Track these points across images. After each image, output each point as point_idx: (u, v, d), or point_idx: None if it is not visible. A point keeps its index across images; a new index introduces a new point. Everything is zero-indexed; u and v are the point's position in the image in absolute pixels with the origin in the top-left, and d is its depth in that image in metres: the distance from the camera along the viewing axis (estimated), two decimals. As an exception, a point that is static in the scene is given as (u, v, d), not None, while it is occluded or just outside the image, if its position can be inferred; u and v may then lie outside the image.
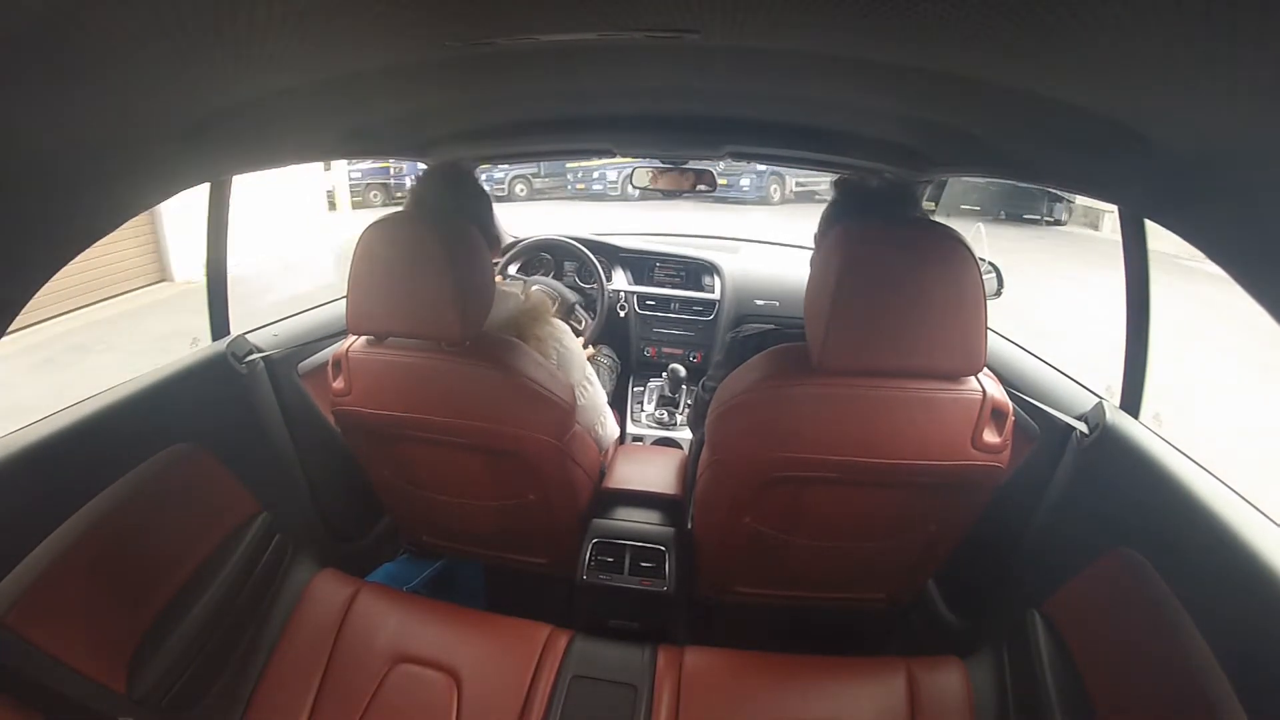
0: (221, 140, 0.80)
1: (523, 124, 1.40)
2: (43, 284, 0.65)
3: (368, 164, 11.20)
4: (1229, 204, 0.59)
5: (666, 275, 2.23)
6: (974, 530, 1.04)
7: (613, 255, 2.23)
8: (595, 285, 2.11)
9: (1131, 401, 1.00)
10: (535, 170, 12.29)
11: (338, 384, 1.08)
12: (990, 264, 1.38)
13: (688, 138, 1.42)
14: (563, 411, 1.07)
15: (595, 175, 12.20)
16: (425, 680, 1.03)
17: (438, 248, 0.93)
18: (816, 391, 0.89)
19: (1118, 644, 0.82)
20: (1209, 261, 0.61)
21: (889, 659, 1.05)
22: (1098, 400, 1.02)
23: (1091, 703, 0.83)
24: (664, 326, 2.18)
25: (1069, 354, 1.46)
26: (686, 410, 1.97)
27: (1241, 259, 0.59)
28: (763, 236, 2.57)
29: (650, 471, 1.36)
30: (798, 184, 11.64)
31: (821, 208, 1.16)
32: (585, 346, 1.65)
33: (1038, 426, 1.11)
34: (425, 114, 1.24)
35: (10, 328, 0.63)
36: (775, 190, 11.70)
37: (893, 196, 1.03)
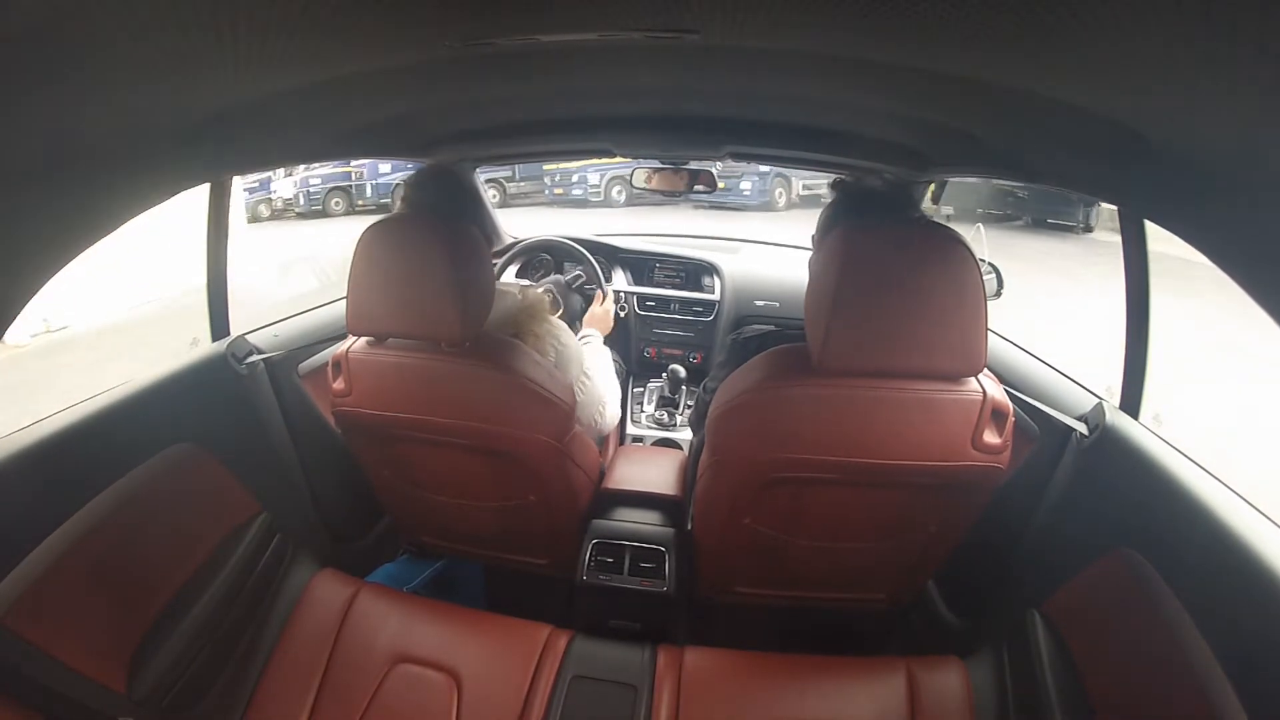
0: (221, 140, 0.80)
1: (523, 124, 1.40)
2: (43, 284, 0.65)
3: (327, 169, 10.12)
4: (1229, 204, 0.59)
5: (666, 276, 2.23)
6: (974, 530, 1.04)
7: (612, 256, 2.23)
8: (595, 286, 2.11)
9: (1131, 402, 1.00)
10: (509, 174, 10.88)
11: (338, 385, 1.08)
12: (990, 264, 1.37)
13: (687, 138, 1.42)
14: (563, 413, 1.07)
15: (575, 179, 10.67)
16: (425, 680, 1.03)
17: (438, 248, 0.93)
18: (816, 392, 0.89)
19: (1118, 644, 0.82)
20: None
21: (889, 659, 1.05)
22: (1097, 401, 1.02)
23: (1091, 703, 0.83)
24: (664, 327, 2.18)
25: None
26: (687, 411, 1.97)
27: (1241, 259, 0.59)
28: (762, 238, 2.57)
29: (650, 472, 1.36)
30: (804, 187, 10.43)
31: (830, 214, 1.14)
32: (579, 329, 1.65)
33: (1037, 427, 1.11)
34: (425, 114, 1.24)
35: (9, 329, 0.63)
36: (780, 195, 10.44)
37: (891, 197, 1.03)
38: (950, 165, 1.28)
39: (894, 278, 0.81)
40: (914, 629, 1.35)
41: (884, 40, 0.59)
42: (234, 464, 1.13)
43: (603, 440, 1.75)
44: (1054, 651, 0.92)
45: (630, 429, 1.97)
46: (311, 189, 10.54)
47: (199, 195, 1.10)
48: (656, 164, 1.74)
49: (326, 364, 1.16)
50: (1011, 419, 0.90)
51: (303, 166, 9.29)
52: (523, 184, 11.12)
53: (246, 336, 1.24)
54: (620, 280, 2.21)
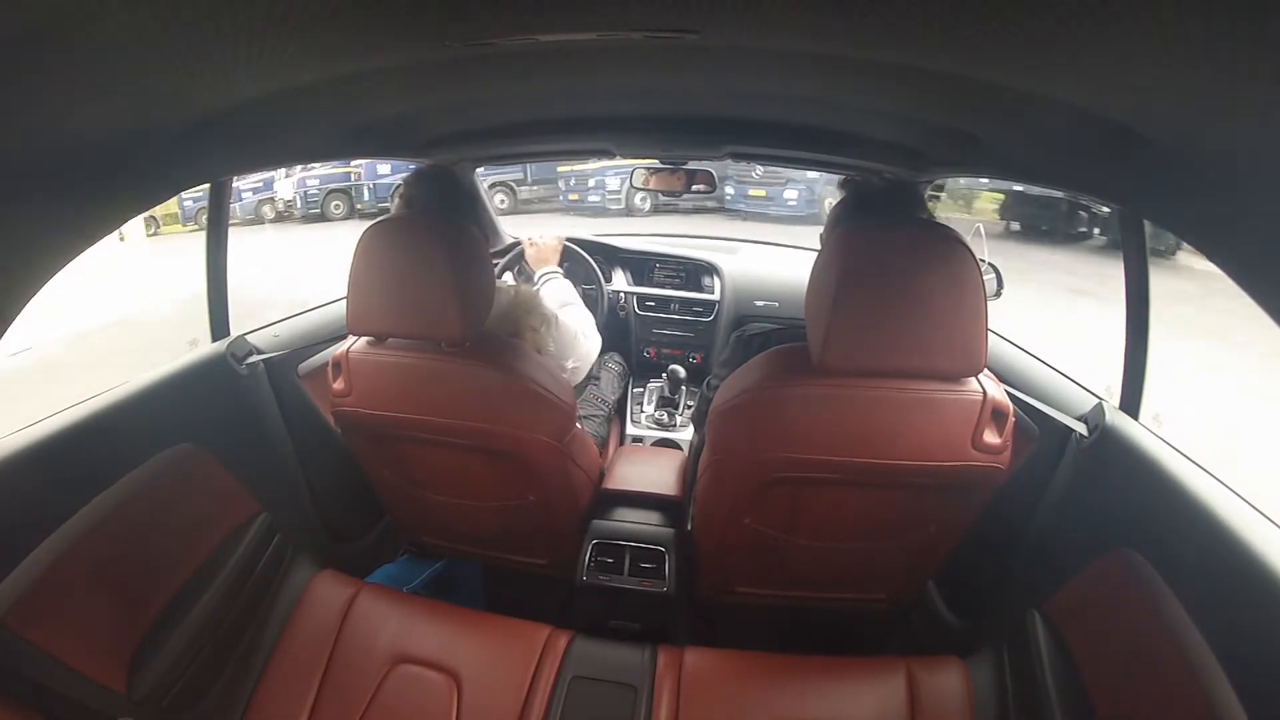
0: (221, 140, 0.80)
1: (523, 124, 1.40)
2: (43, 285, 0.65)
3: (326, 169, 9.51)
4: (1227, 204, 0.59)
5: (666, 276, 2.23)
6: (974, 530, 1.04)
7: (612, 256, 2.23)
8: (594, 286, 2.11)
9: (1131, 402, 1.00)
10: (520, 176, 9.94)
11: (338, 385, 1.08)
12: (990, 264, 1.38)
13: (687, 138, 1.42)
14: (563, 413, 1.07)
15: (592, 183, 9.65)
16: (425, 681, 1.03)
17: (438, 248, 0.93)
18: (817, 392, 0.89)
19: (1118, 644, 0.82)
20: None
21: (889, 659, 1.05)
22: (1097, 401, 1.02)
23: (1091, 703, 0.83)
24: (664, 327, 2.18)
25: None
26: (687, 411, 1.97)
27: (1240, 259, 0.59)
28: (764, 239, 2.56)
29: (650, 472, 1.36)
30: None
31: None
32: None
33: (1037, 427, 1.11)
34: (425, 114, 1.24)
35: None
36: (831, 204, 9.16)
37: (899, 196, 1.03)
38: (950, 165, 1.28)
39: (894, 278, 0.81)
40: (914, 629, 1.34)
41: (884, 40, 0.59)
42: (234, 464, 1.13)
43: (605, 435, 1.76)
44: (1054, 651, 0.92)
45: (630, 429, 1.97)
46: (309, 190, 9.98)
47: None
48: (656, 164, 1.74)
49: (326, 364, 1.16)
50: (1011, 419, 0.90)
51: (300, 167, 8.90)
52: (535, 188, 10.15)
53: (246, 337, 1.24)
54: (620, 280, 2.21)
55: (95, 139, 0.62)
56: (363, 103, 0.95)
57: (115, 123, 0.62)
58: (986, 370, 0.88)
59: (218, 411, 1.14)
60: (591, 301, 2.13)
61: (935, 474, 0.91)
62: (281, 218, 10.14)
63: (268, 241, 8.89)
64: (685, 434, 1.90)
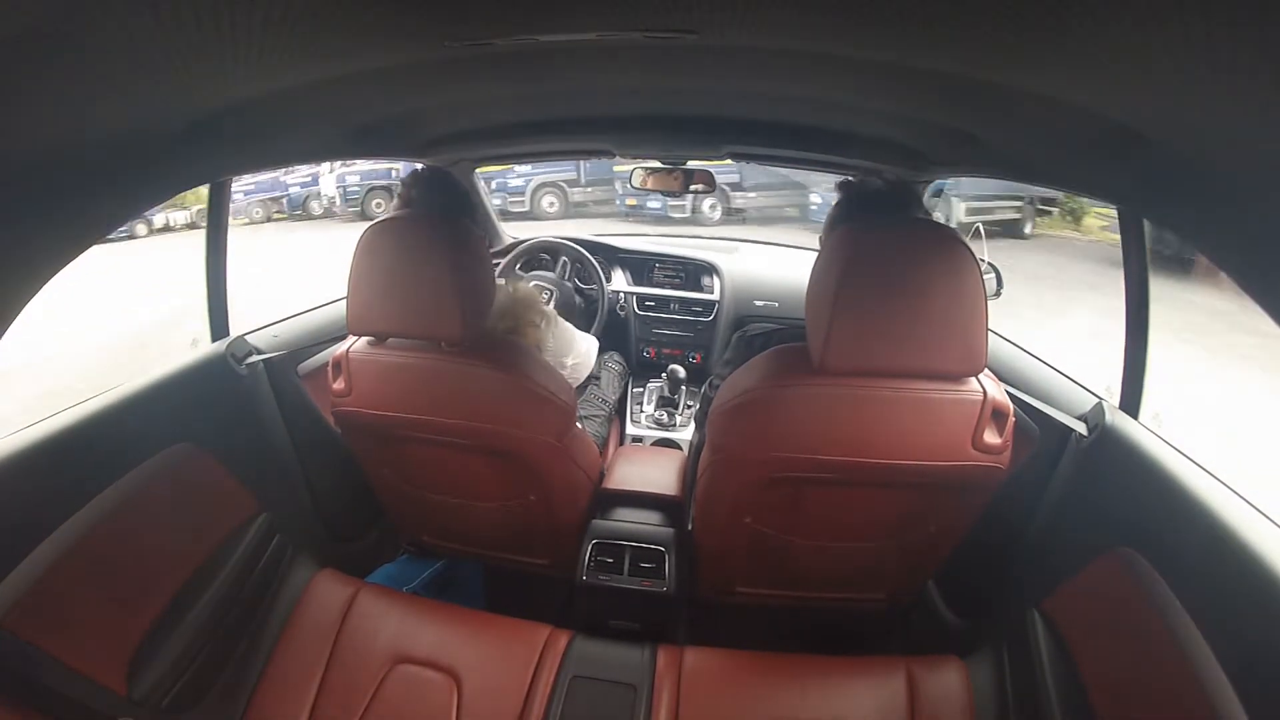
0: (221, 140, 0.80)
1: (522, 124, 1.40)
2: (43, 285, 0.65)
3: (366, 165, 9.04)
4: (1228, 204, 0.59)
5: (666, 276, 2.23)
6: (974, 530, 1.04)
7: (612, 256, 2.23)
8: (595, 286, 2.11)
9: (1131, 402, 1.00)
10: (572, 176, 9.01)
11: (338, 385, 1.08)
12: (990, 264, 1.38)
13: (687, 138, 1.42)
14: (563, 413, 1.07)
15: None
16: (425, 680, 1.03)
17: (439, 248, 0.93)
18: (817, 392, 0.89)
19: (1117, 643, 0.82)
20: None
21: (889, 659, 1.05)
22: (1097, 401, 1.02)
23: (1091, 702, 0.83)
24: (663, 327, 2.18)
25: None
26: (687, 411, 1.97)
27: (1240, 259, 0.59)
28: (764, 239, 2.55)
29: (650, 472, 1.36)
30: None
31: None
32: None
33: (1037, 427, 1.11)
34: (425, 114, 1.24)
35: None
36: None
37: (897, 196, 1.03)
38: (950, 165, 1.28)
39: (895, 278, 0.81)
40: (914, 629, 1.35)
41: (884, 40, 0.59)
42: (234, 464, 1.13)
43: (605, 435, 1.76)
44: (1054, 651, 0.92)
45: (630, 429, 1.97)
46: (349, 187, 9.33)
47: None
48: (656, 164, 1.74)
49: (326, 364, 1.16)
50: (1012, 419, 0.90)
51: (340, 163, 8.47)
52: (590, 189, 9.09)
53: (246, 337, 1.24)
54: (620, 280, 2.21)
55: (95, 139, 0.62)
56: (362, 103, 0.95)
57: (115, 123, 0.62)
58: (987, 370, 0.88)
59: (217, 411, 1.13)
60: (592, 301, 2.14)
61: (935, 474, 0.91)
62: (328, 214, 9.73)
63: (314, 240, 8.37)
64: (685, 434, 1.90)
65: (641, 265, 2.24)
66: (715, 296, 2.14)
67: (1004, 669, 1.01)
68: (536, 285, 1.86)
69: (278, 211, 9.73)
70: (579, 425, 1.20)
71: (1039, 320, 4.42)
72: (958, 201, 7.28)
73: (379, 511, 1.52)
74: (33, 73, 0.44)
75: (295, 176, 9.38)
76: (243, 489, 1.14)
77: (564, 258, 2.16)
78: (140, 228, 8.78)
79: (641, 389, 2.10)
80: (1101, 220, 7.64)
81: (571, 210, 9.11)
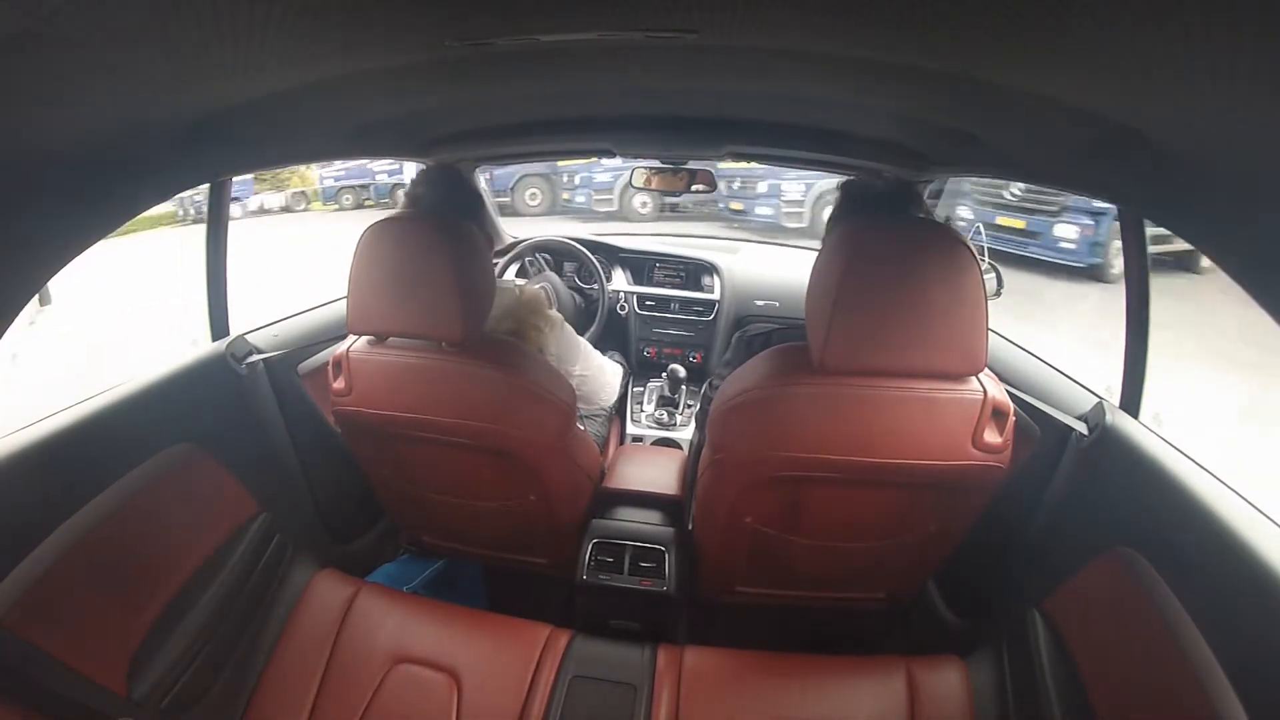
0: (221, 140, 0.80)
1: (523, 124, 1.40)
2: (43, 285, 0.65)
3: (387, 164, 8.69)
4: (1228, 204, 0.59)
5: (666, 275, 2.23)
6: (974, 530, 1.04)
7: (612, 255, 2.23)
8: (595, 286, 2.11)
9: (1131, 401, 1.00)
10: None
11: (338, 384, 1.08)
12: (990, 264, 1.38)
13: (688, 137, 1.42)
14: (563, 412, 1.07)
15: (738, 185, 7.09)
16: (425, 680, 1.03)
17: (439, 248, 0.93)
18: (817, 391, 0.89)
19: (1117, 643, 0.82)
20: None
21: (889, 659, 1.05)
22: (1097, 400, 1.02)
23: (1091, 702, 0.83)
24: (664, 327, 2.18)
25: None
26: (687, 410, 1.97)
27: (1240, 259, 0.59)
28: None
29: (650, 472, 1.36)
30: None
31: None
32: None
33: (1038, 427, 1.11)
34: (425, 114, 1.24)
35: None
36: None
37: (897, 196, 1.03)
38: (950, 165, 1.28)
39: (895, 277, 0.81)
40: (914, 629, 1.35)
41: (884, 40, 0.59)
42: (234, 464, 1.13)
43: (605, 434, 1.76)
44: (1054, 650, 0.92)
45: (630, 429, 1.97)
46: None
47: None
48: (657, 164, 1.74)
49: (326, 364, 1.16)
50: (1012, 418, 0.90)
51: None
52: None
53: (246, 336, 1.24)
54: (620, 280, 2.21)
55: (96, 139, 0.62)
56: (363, 103, 0.95)
57: (115, 123, 0.62)
58: (987, 370, 0.88)
59: (218, 411, 1.13)
60: (592, 301, 2.14)
61: (936, 473, 0.91)
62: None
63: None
64: (685, 433, 1.90)
65: (642, 265, 2.24)
66: (716, 296, 2.14)
67: (1004, 669, 1.01)
68: (542, 286, 1.86)
69: (367, 199, 9.68)
70: (579, 425, 1.20)
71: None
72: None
73: (379, 511, 1.52)
74: (33, 73, 0.44)
75: (380, 165, 8.95)
76: (243, 489, 1.14)
77: (564, 258, 2.16)
78: (234, 209, 8.85)
79: (642, 389, 2.10)
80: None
81: (665, 212, 7.57)
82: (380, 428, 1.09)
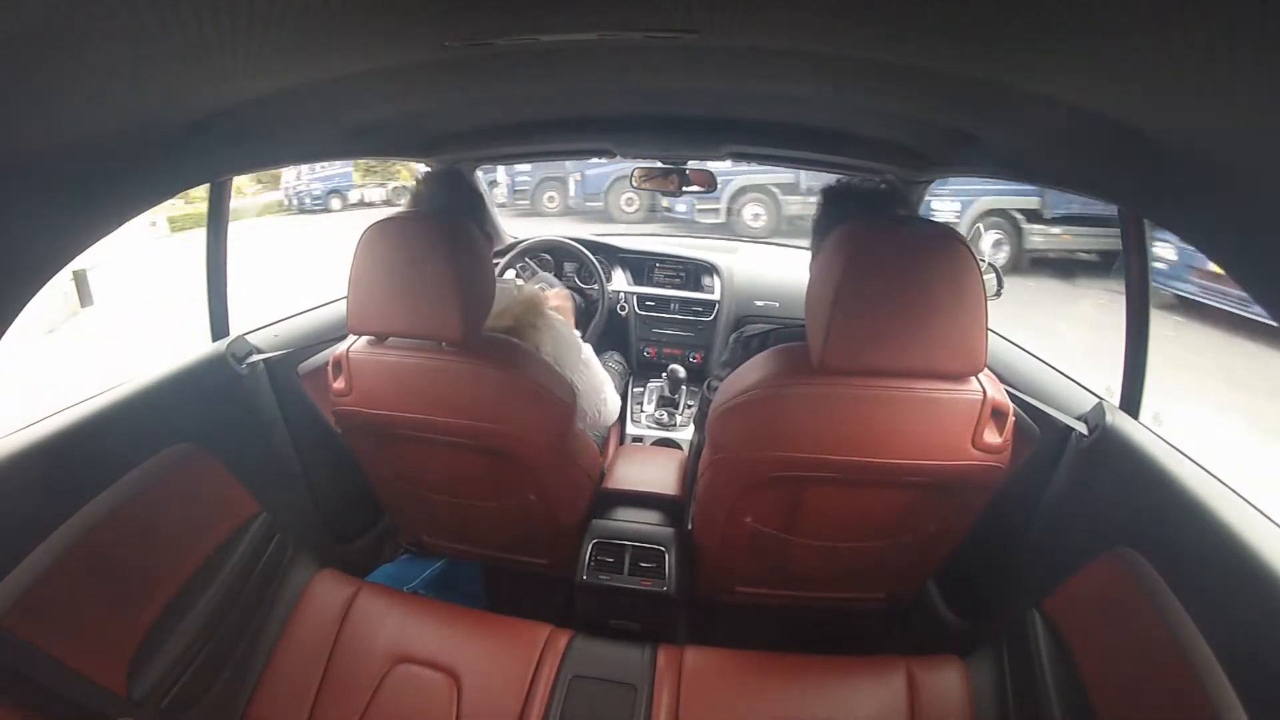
0: (221, 140, 0.80)
1: (523, 124, 1.40)
2: (43, 285, 0.65)
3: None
4: (1228, 204, 0.59)
5: (666, 276, 2.23)
6: (974, 530, 1.04)
7: (612, 256, 2.23)
8: (595, 286, 2.11)
9: (1131, 402, 1.00)
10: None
11: (338, 384, 1.08)
12: (990, 264, 1.38)
13: (688, 138, 1.42)
14: (563, 412, 1.07)
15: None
16: (425, 680, 1.03)
17: (439, 247, 0.93)
18: (817, 391, 0.89)
19: (1117, 643, 0.82)
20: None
21: (889, 659, 1.05)
22: (1097, 401, 1.02)
23: (1091, 702, 0.83)
24: (664, 327, 2.18)
25: None
26: (687, 411, 1.97)
27: (1240, 259, 0.59)
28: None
29: (650, 472, 1.36)
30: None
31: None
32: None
33: (1037, 427, 1.11)
34: (425, 114, 1.24)
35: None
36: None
37: (881, 196, 1.03)
38: (950, 165, 1.28)
39: (895, 277, 0.81)
40: (914, 629, 1.35)
41: (884, 40, 0.59)
42: (234, 464, 1.13)
43: (605, 434, 1.76)
44: (1054, 651, 0.92)
45: (630, 429, 1.97)
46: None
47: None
48: (657, 164, 1.74)
49: (326, 364, 1.16)
50: (1012, 418, 0.91)
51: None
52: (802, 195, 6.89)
53: (246, 336, 1.24)
54: (620, 280, 2.21)
55: (95, 139, 0.62)
56: (363, 103, 0.95)
57: (115, 123, 0.62)
58: (987, 370, 0.88)
59: (218, 411, 1.13)
60: (592, 301, 2.14)
61: (935, 473, 0.91)
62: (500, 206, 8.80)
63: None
64: (685, 433, 1.90)
65: (642, 265, 2.24)
66: (716, 296, 2.14)
67: (1004, 669, 1.01)
68: (540, 286, 1.86)
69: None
70: (579, 425, 1.20)
71: None
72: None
73: (379, 511, 1.52)
74: (33, 72, 0.44)
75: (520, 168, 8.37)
76: (243, 489, 1.14)
77: (564, 258, 2.16)
78: (335, 201, 9.21)
79: (641, 389, 2.10)
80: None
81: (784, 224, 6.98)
82: (380, 427, 1.09)
